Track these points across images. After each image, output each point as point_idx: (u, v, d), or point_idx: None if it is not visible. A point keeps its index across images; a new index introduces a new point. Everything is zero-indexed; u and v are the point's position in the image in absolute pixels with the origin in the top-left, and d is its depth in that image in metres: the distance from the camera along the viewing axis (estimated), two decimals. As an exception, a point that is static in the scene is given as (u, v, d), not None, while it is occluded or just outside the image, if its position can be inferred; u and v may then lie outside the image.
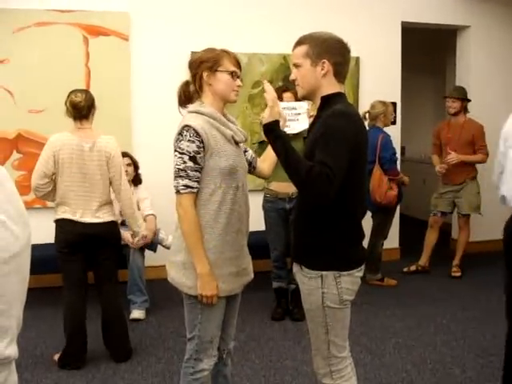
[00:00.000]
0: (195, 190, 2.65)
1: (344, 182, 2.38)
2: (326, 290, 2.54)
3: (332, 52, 2.53)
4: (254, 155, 3.09)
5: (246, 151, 3.00)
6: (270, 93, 2.53)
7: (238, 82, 2.77)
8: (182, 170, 2.63)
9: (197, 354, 2.78)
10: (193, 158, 2.62)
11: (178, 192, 2.65)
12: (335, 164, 2.31)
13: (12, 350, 1.08)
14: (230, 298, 2.85)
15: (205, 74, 2.72)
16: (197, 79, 2.76)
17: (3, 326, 1.05)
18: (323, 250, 2.56)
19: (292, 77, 2.65)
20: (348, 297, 2.59)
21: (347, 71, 2.64)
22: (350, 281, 2.57)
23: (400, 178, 5.82)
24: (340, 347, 2.67)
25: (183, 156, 2.62)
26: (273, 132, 2.48)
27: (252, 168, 3.04)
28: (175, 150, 2.67)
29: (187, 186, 2.63)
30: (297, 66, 2.60)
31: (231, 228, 2.72)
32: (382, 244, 6.03)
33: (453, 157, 6.10)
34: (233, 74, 2.74)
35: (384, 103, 5.87)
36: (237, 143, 2.81)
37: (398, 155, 6.81)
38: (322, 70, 2.52)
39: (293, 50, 2.63)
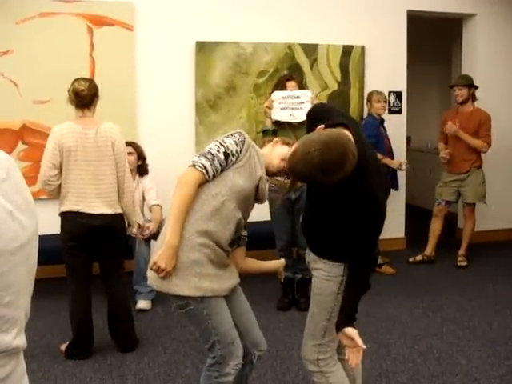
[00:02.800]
0: (207, 177, 2.62)
1: None
2: (346, 278, 2.61)
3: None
4: (245, 238, 2.96)
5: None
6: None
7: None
8: (211, 154, 2.65)
9: (222, 359, 2.72)
10: (226, 155, 2.65)
11: (192, 166, 2.63)
12: (374, 241, 2.59)
13: (20, 341, 1.08)
14: (231, 301, 2.83)
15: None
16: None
17: (12, 317, 1.05)
18: (345, 246, 2.61)
19: None
20: None
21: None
22: None
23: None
24: (326, 346, 2.75)
25: (220, 147, 2.67)
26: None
27: (236, 244, 2.87)
28: (217, 140, 2.73)
29: (204, 167, 2.61)
30: None
31: (215, 238, 2.66)
32: None
33: (451, 126, 6.10)
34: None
35: (370, 92, 6.07)
36: (256, 197, 2.83)
37: (403, 145, 6.82)
38: None
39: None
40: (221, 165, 2.64)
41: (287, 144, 2.88)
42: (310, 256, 2.79)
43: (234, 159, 2.66)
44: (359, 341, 2.46)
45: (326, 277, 2.66)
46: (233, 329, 2.75)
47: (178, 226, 2.58)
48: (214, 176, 2.64)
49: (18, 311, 1.06)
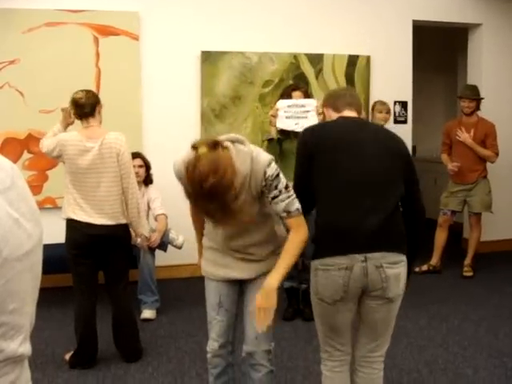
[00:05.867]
0: None
1: (316, 186, 2.77)
2: (312, 280, 2.75)
3: (326, 100, 3.12)
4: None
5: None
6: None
7: None
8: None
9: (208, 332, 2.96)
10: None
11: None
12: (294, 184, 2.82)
13: (25, 349, 1.08)
14: (244, 293, 2.92)
15: None
16: None
17: (17, 324, 1.05)
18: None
19: None
20: (323, 291, 2.67)
21: (343, 102, 2.96)
22: (324, 276, 2.65)
23: None
24: (321, 346, 2.87)
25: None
26: None
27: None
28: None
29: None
30: None
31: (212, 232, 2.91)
32: None
33: (465, 136, 6.11)
34: None
35: (374, 102, 6.14)
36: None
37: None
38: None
39: None
40: None
41: None
42: None
43: None
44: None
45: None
46: (213, 310, 2.91)
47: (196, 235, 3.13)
48: None
49: (23, 318, 1.06)
